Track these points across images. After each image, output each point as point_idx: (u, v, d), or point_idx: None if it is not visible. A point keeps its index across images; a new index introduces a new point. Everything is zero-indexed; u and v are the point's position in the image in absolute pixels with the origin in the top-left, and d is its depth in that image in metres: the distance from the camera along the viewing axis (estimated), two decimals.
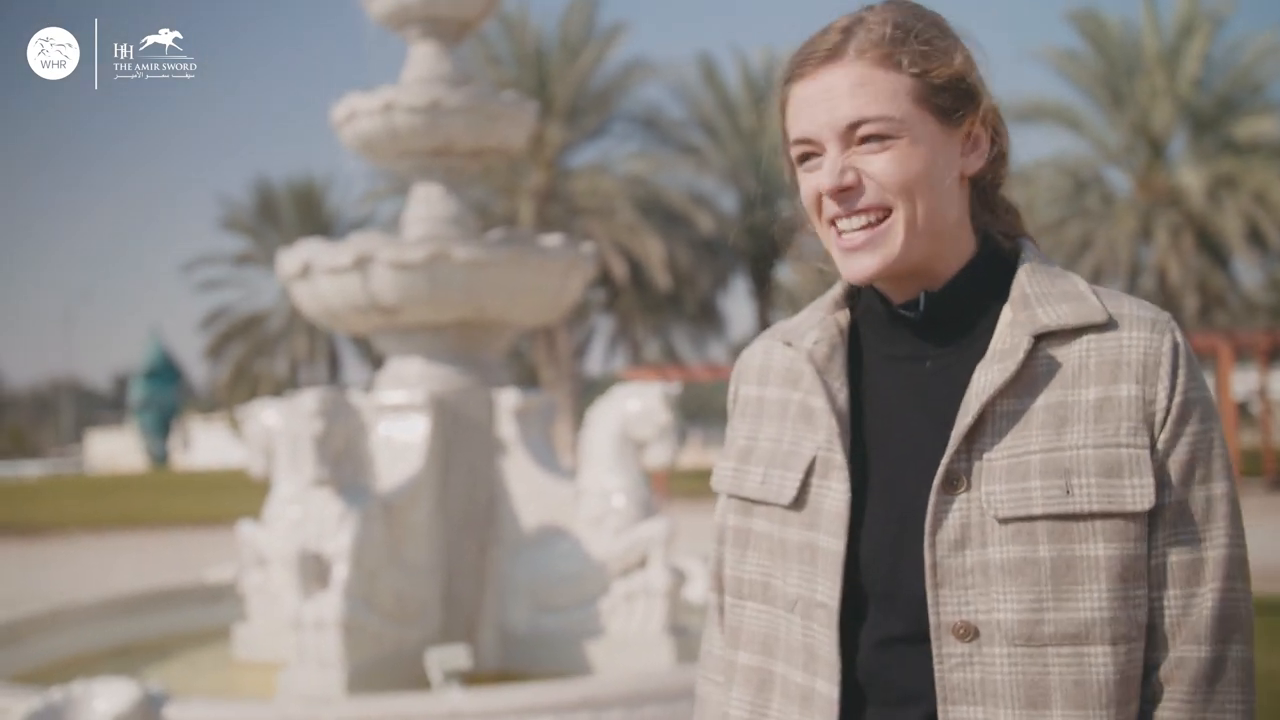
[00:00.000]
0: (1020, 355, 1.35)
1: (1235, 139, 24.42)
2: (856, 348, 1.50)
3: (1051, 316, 1.37)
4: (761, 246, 28.57)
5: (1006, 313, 1.41)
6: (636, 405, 6.15)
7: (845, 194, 1.37)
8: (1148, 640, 1.33)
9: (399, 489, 6.12)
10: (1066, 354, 1.37)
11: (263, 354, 37.45)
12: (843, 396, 1.45)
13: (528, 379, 28.74)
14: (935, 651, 1.33)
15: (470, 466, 6.52)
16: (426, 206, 7.01)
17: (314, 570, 5.67)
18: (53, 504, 26.52)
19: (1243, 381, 33.29)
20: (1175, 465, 1.34)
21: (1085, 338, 1.37)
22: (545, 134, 25.66)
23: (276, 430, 6.65)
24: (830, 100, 1.36)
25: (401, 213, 7.43)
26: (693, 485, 21.80)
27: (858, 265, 1.39)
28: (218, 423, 47.73)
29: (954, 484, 1.35)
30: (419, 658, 5.54)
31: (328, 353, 37.11)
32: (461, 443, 6.51)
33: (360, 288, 6.33)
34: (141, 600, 7.54)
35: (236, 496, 17.64)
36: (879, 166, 1.35)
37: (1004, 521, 1.32)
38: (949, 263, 1.43)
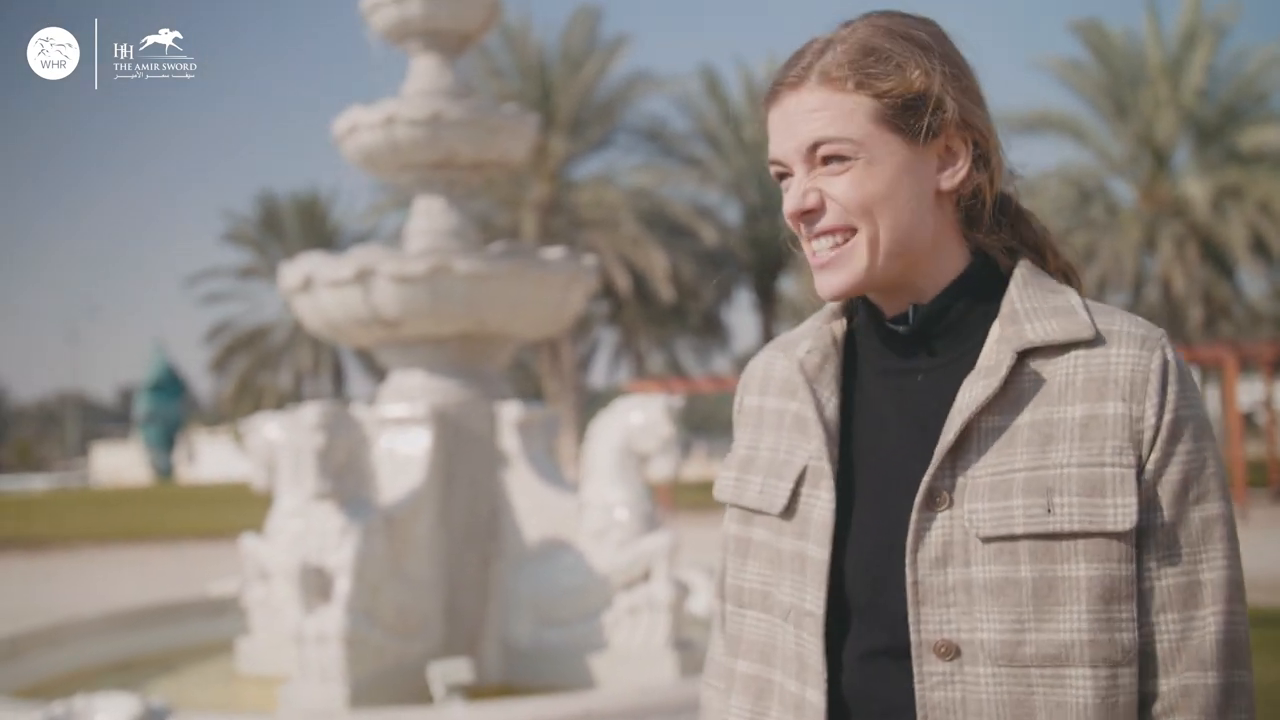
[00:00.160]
0: (1003, 372, 1.34)
1: (1239, 149, 24.44)
2: (853, 358, 1.50)
3: (1038, 332, 1.36)
4: (765, 258, 28.62)
5: (995, 328, 1.40)
6: (639, 418, 6.14)
7: (808, 216, 1.39)
8: (1143, 666, 1.31)
9: (401, 502, 6.11)
10: (1053, 370, 1.35)
11: (267, 367, 37.57)
12: (832, 406, 1.45)
13: (532, 392, 28.79)
14: (916, 670, 1.32)
15: (472, 479, 6.51)
16: (428, 219, 7.02)
17: (316, 584, 5.66)
18: (58, 517, 26.52)
19: (1248, 392, 33.22)
20: (1168, 485, 1.31)
21: (1073, 354, 1.35)
22: (548, 146, 25.71)
23: (278, 444, 6.65)
24: (792, 124, 1.39)
25: (404, 226, 7.44)
26: (697, 498, 21.74)
27: (825, 283, 1.41)
28: (222, 436, 47.76)
29: (936, 501, 1.33)
30: (421, 671, 5.53)
31: (332, 366, 37.21)
32: (464, 456, 6.50)
33: (362, 301, 6.33)
34: (144, 614, 7.54)
35: (241, 510, 17.64)
36: (839, 189, 1.37)
37: (986, 541, 1.31)
38: (934, 278, 1.42)
